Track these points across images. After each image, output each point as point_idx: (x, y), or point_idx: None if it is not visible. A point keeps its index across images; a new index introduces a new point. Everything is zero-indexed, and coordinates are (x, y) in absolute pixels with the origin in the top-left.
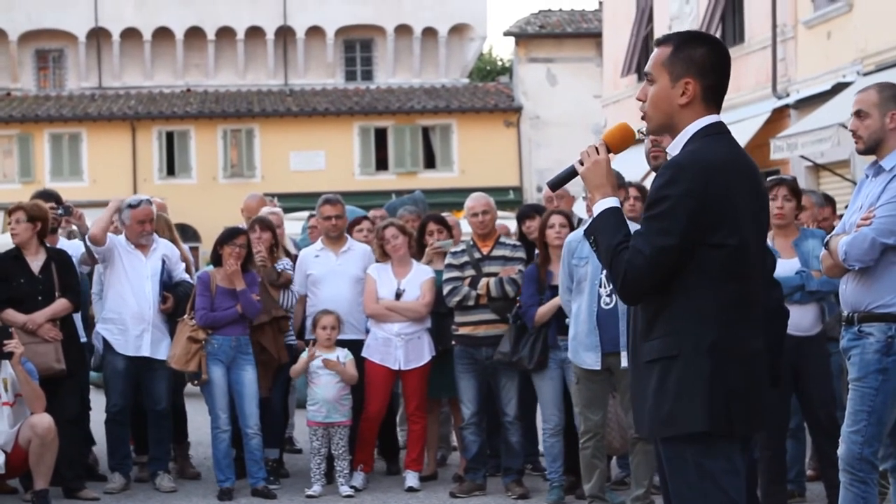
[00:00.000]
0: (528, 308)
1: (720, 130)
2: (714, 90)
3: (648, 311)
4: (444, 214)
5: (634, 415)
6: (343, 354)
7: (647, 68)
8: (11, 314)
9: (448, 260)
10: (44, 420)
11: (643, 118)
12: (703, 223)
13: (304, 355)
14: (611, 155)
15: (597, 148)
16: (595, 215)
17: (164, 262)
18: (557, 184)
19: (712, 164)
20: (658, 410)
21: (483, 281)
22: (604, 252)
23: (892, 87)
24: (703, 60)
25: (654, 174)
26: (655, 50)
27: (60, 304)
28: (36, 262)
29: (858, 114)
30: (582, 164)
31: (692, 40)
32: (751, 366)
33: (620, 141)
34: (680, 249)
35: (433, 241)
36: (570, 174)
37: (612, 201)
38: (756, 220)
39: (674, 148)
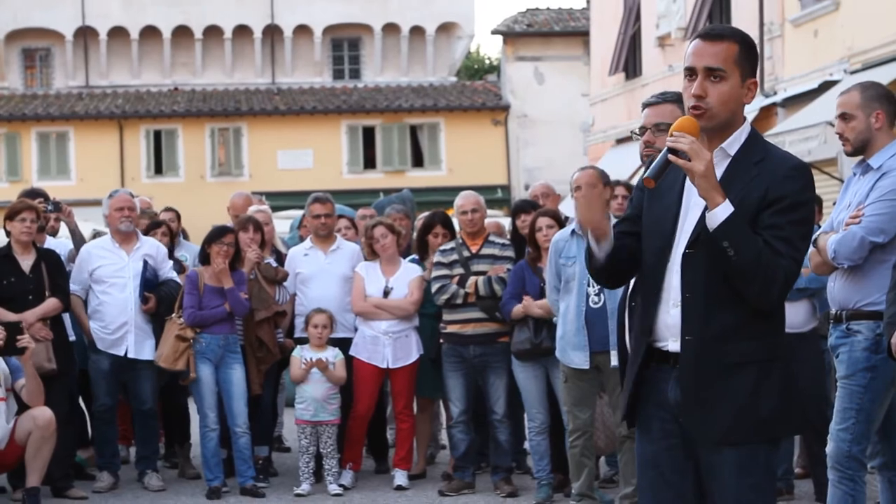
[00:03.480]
0: (507, 301)
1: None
2: None
3: (736, 311)
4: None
5: (694, 417)
6: (333, 354)
7: (714, 63)
8: (2, 313)
9: (437, 258)
10: (45, 413)
11: (699, 115)
12: None
13: (295, 354)
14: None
15: (695, 144)
16: (725, 218)
17: (146, 262)
18: (658, 174)
19: None
20: (753, 412)
21: (471, 279)
22: (752, 257)
23: (875, 86)
24: (757, 61)
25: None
26: (714, 44)
27: (51, 304)
28: (26, 261)
29: (843, 116)
30: (681, 156)
31: (748, 40)
32: None
33: (695, 136)
34: None
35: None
36: (665, 164)
37: (730, 204)
38: None
39: (731, 146)
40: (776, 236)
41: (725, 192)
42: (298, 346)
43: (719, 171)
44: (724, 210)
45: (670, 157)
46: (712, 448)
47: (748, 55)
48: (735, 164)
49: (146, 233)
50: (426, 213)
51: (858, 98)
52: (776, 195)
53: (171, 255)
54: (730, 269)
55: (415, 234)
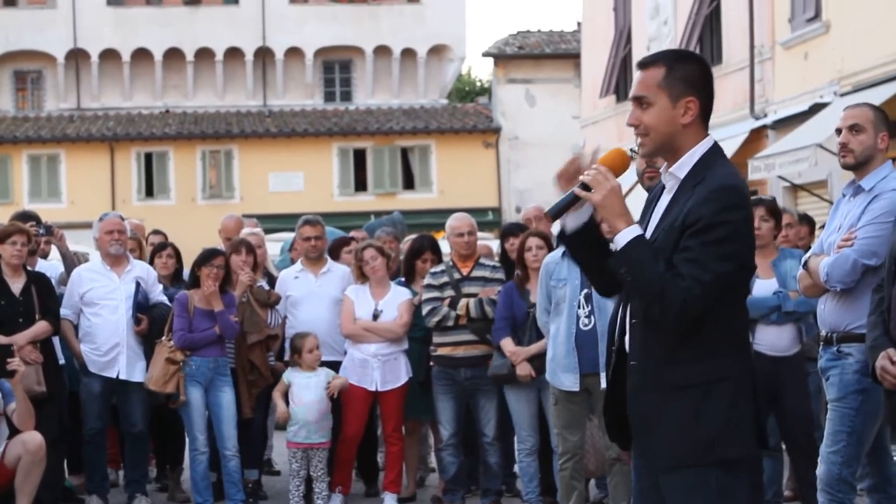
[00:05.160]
0: (498, 326)
1: (723, 153)
2: (708, 107)
3: (675, 335)
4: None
5: (641, 439)
6: (325, 374)
7: (638, 92)
8: None
9: (427, 280)
10: (35, 437)
11: (640, 143)
12: (751, 248)
13: (284, 379)
14: None
15: (604, 174)
16: (624, 245)
17: (138, 284)
18: (558, 213)
19: (748, 188)
20: (693, 435)
21: (462, 301)
22: (648, 281)
23: (881, 111)
24: (698, 77)
25: (643, 193)
26: (642, 73)
27: (41, 327)
28: (17, 283)
29: (853, 128)
30: (588, 189)
31: (682, 58)
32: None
33: (620, 166)
34: (734, 275)
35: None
36: (571, 201)
37: (637, 229)
38: None
39: (681, 169)
40: (684, 259)
41: (666, 217)
42: (289, 369)
43: (669, 196)
44: (622, 237)
45: (576, 190)
46: (662, 471)
47: (678, 75)
48: (681, 188)
49: (152, 256)
50: (413, 237)
51: (871, 114)
52: (693, 218)
53: (179, 279)
54: (631, 293)
55: (402, 257)
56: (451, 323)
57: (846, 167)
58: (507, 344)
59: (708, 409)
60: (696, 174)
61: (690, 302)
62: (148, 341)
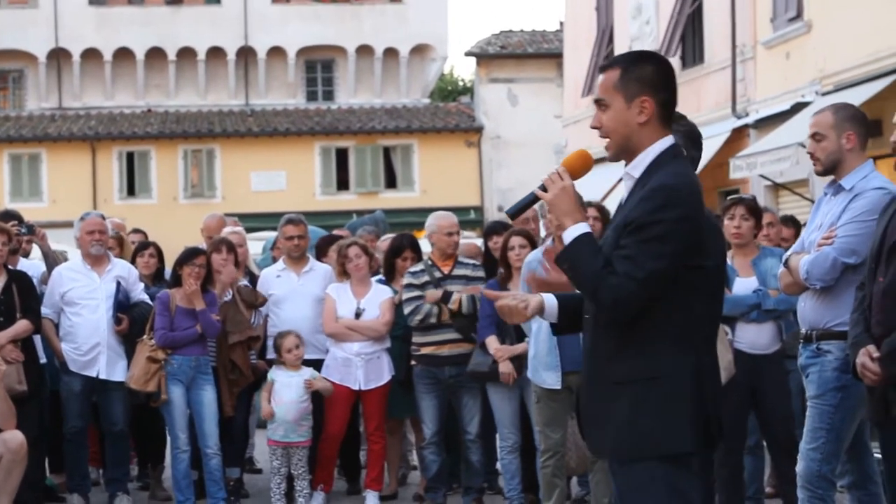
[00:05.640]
0: (483, 324)
1: (680, 153)
2: (667, 106)
3: (617, 329)
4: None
5: (590, 434)
6: (309, 373)
7: (597, 95)
8: None
9: (407, 279)
10: (16, 436)
11: (605, 145)
12: (693, 247)
13: (270, 378)
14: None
15: (560, 174)
16: (569, 242)
17: (119, 283)
18: (517, 212)
19: (697, 188)
20: (633, 431)
21: (456, 295)
22: (586, 278)
23: (848, 108)
24: (654, 77)
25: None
26: (601, 76)
27: (22, 326)
28: None
29: (815, 136)
30: (545, 190)
31: (638, 59)
32: (718, 384)
33: (581, 167)
34: (670, 273)
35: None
36: (531, 202)
37: (583, 227)
38: (722, 240)
39: (636, 168)
40: (619, 255)
41: (618, 215)
42: (274, 367)
43: (626, 194)
44: (567, 235)
45: (535, 191)
46: (611, 465)
47: (633, 76)
48: (635, 188)
49: (134, 255)
50: (392, 235)
51: (831, 118)
52: (631, 217)
53: (161, 278)
54: (578, 290)
55: (377, 254)
56: (433, 320)
57: (818, 174)
58: (493, 342)
59: (647, 404)
60: (650, 174)
61: (621, 299)
62: (129, 340)
